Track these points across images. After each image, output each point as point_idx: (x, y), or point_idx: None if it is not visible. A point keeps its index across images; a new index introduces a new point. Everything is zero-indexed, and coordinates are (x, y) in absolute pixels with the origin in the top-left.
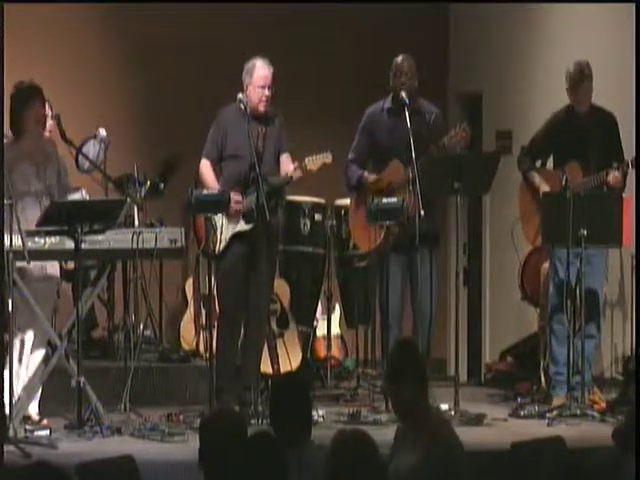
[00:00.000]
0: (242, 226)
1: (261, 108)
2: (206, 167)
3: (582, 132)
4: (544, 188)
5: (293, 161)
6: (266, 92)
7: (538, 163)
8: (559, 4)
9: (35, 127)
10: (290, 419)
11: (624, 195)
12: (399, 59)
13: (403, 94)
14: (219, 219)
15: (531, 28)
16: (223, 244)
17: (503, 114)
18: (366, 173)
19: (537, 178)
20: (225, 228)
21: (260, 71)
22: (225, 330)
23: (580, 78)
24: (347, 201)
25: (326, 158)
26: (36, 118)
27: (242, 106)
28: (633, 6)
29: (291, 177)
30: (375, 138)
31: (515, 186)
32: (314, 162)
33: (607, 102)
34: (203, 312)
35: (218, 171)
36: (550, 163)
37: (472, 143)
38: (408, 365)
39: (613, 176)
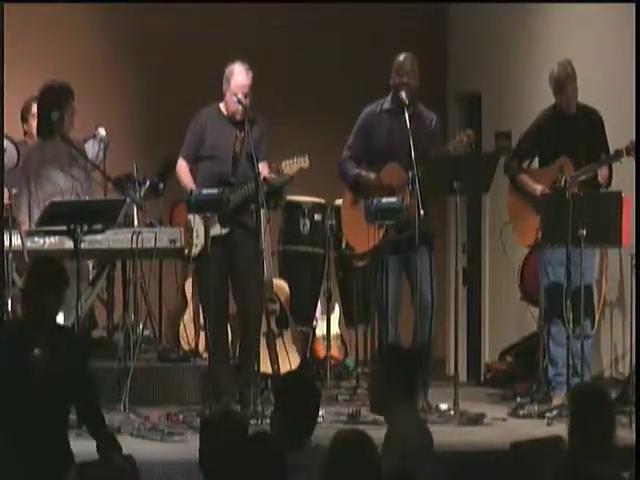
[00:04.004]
0: (217, 230)
1: (237, 117)
2: (182, 167)
3: (569, 131)
4: (538, 188)
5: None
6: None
7: (525, 164)
8: (559, 4)
9: (66, 127)
10: (297, 418)
11: (624, 195)
12: (401, 57)
13: (403, 94)
14: (194, 222)
15: (530, 29)
16: (199, 248)
17: (502, 115)
18: (363, 172)
19: (527, 180)
20: (201, 231)
21: (238, 79)
22: (213, 332)
23: (566, 79)
24: None
25: (303, 163)
26: (69, 119)
27: (242, 108)
28: (633, 6)
29: (264, 178)
30: (372, 139)
31: None
32: (291, 166)
33: (606, 101)
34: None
35: (195, 170)
36: (535, 163)
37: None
38: (386, 366)
39: (602, 173)
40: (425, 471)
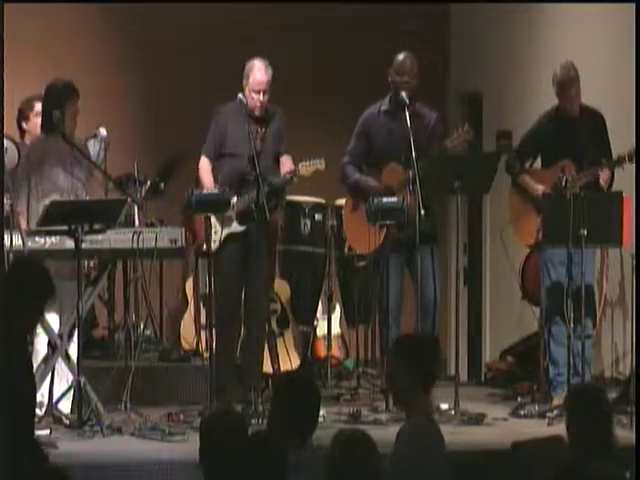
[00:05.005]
0: (235, 227)
1: (256, 112)
2: (204, 165)
3: (572, 133)
4: (539, 188)
5: (294, 163)
6: (261, 97)
7: (527, 164)
8: (559, 4)
9: (69, 126)
10: (296, 418)
11: (624, 195)
12: (401, 57)
13: (404, 94)
14: (213, 219)
15: (531, 28)
16: (217, 244)
17: (503, 114)
18: (363, 177)
19: (529, 180)
20: (219, 228)
21: (257, 75)
22: (222, 330)
23: (569, 81)
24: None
25: (319, 165)
26: (71, 118)
27: (242, 106)
28: (633, 6)
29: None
30: (373, 141)
31: None
32: (307, 168)
33: (607, 102)
34: (203, 312)
35: (218, 167)
36: (537, 163)
37: (472, 143)
38: (404, 360)
39: (604, 176)
40: (441, 466)
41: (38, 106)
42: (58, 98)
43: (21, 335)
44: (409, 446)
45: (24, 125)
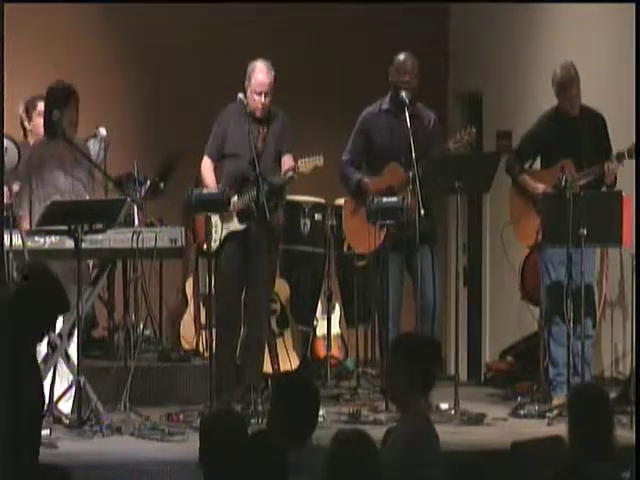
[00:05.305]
0: (235, 226)
1: (258, 114)
2: (207, 165)
3: (572, 133)
4: (539, 187)
5: (294, 161)
6: (262, 99)
7: (527, 165)
8: (559, 4)
9: (68, 128)
10: (295, 418)
11: (624, 195)
12: (401, 57)
13: (404, 94)
14: (213, 218)
15: (531, 28)
16: (217, 243)
17: (503, 114)
18: (365, 178)
19: (529, 180)
20: (219, 227)
21: (259, 77)
22: (221, 330)
23: (569, 81)
24: None
25: (318, 161)
26: (70, 120)
27: (242, 106)
28: (633, 6)
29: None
30: (373, 140)
31: None
32: (306, 165)
33: (606, 102)
34: (203, 312)
35: (220, 168)
36: (537, 164)
37: (473, 144)
38: (403, 360)
39: (610, 166)
40: (436, 467)
41: (41, 106)
42: (57, 100)
43: (31, 346)
44: (407, 446)
45: (27, 125)
